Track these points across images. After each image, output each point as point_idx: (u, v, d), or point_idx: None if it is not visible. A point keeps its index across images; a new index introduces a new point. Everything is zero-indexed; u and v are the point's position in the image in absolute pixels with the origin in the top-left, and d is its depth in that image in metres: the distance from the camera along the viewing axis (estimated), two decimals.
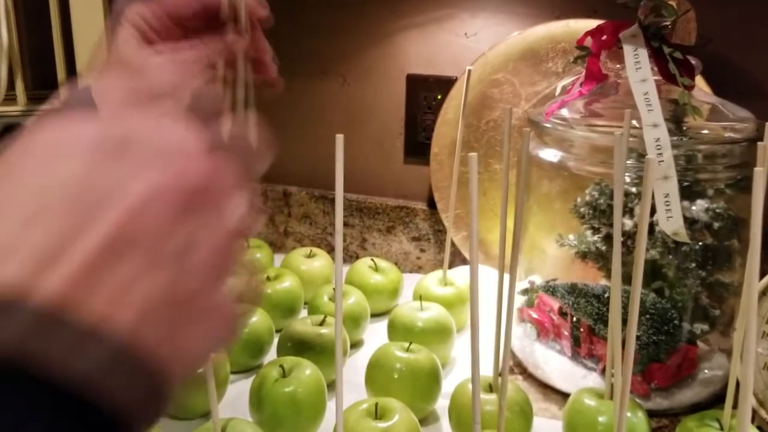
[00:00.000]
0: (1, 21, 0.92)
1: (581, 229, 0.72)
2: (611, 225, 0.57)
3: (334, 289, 0.55)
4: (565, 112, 0.72)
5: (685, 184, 0.65)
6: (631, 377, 0.50)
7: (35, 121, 0.25)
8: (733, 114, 0.70)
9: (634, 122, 0.63)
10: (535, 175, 0.74)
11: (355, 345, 0.82)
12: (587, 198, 0.70)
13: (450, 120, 0.95)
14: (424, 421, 0.67)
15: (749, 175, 0.44)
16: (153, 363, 0.23)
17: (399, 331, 0.76)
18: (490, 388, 0.63)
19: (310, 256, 0.94)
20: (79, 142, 0.24)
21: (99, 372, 0.21)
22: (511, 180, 0.63)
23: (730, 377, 0.56)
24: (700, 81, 0.79)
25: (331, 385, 0.68)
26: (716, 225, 0.66)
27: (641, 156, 0.65)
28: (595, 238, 0.70)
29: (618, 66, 0.71)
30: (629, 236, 0.66)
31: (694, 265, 0.67)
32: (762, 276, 0.47)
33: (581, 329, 0.71)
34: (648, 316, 0.67)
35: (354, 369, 0.76)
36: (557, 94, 0.78)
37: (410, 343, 0.69)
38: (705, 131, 0.70)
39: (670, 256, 0.67)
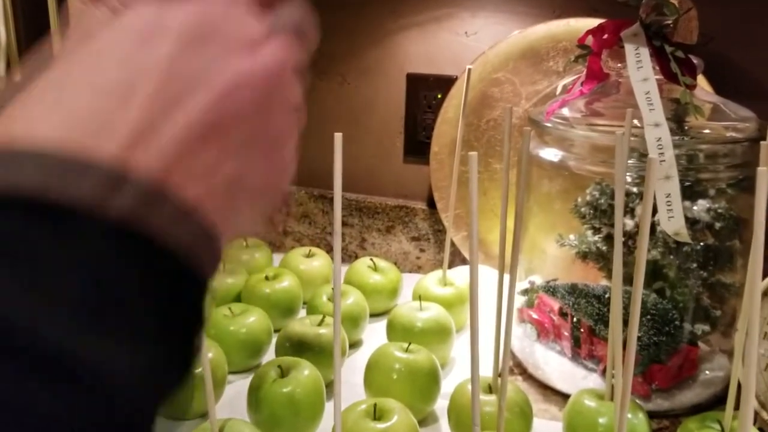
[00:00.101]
0: None
1: (582, 229, 0.71)
2: (612, 225, 0.57)
3: (333, 289, 0.55)
4: (565, 111, 0.71)
5: (687, 183, 0.65)
6: (631, 378, 0.50)
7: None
8: (734, 113, 0.70)
9: (636, 121, 0.63)
10: (535, 174, 0.74)
11: (354, 345, 0.82)
12: (588, 198, 0.70)
13: (450, 119, 0.95)
14: (423, 421, 0.67)
15: (751, 175, 0.43)
16: (221, 237, 0.25)
17: (398, 331, 0.76)
18: (490, 389, 0.63)
19: (309, 255, 0.94)
20: (170, 26, 0.25)
21: (193, 243, 0.23)
22: (511, 179, 0.62)
23: (732, 378, 0.56)
24: (701, 80, 0.78)
25: (330, 386, 0.67)
26: (718, 225, 0.66)
27: (642, 155, 0.65)
28: (596, 238, 0.70)
29: (619, 65, 0.71)
30: (630, 236, 0.65)
31: (695, 265, 0.67)
32: (764, 276, 0.47)
33: (581, 330, 0.71)
34: (649, 316, 0.66)
35: (353, 369, 0.75)
36: (558, 93, 0.78)
37: (409, 344, 0.68)
38: (707, 131, 0.70)
39: (671, 257, 0.67)
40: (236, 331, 0.74)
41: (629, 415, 0.58)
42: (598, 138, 0.68)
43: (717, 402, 0.69)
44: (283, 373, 0.64)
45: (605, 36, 0.70)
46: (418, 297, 0.81)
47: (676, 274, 0.68)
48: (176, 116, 0.23)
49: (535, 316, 0.75)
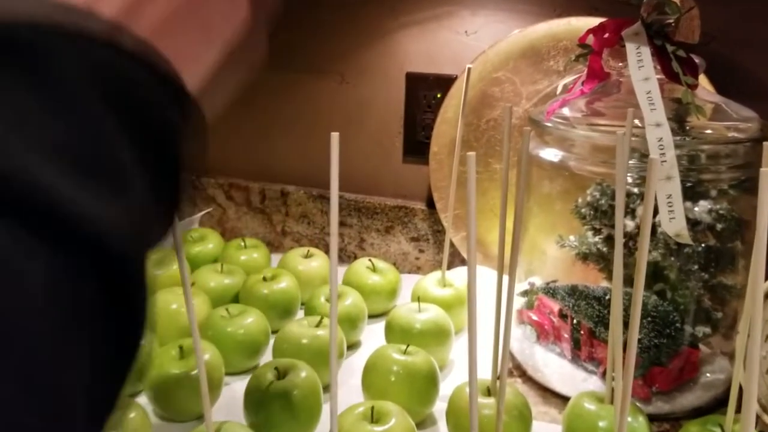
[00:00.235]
0: None
1: (582, 229, 0.71)
2: (612, 226, 0.56)
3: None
4: (566, 111, 0.71)
5: (688, 184, 0.64)
6: (632, 381, 0.49)
7: None
8: (737, 113, 0.69)
9: (637, 121, 0.62)
10: (535, 174, 0.73)
11: (353, 347, 0.81)
12: (588, 198, 0.69)
13: (450, 119, 0.94)
14: (421, 424, 0.66)
15: (753, 176, 0.43)
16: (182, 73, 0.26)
17: (396, 333, 0.75)
18: (489, 392, 0.62)
19: (307, 256, 0.93)
20: None
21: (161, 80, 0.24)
22: (511, 180, 0.62)
23: (733, 381, 0.55)
24: (703, 80, 0.78)
25: (328, 388, 0.66)
26: (719, 226, 0.65)
27: (643, 156, 0.64)
28: (596, 239, 0.69)
29: (620, 64, 0.70)
30: (631, 237, 0.65)
31: (696, 267, 0.66)
32: (767, 278, 0.46)
33: (582, 332, 0.70)
34: (649, 318, 0.66)
35: (350, 371, 0.75)
36: (558, 92, 0.77)
37: (407, 346, 0.68)
38: (708, 131, 0.69)
39: (672, 258, 0.66)
40: (234, 332, 0.74)
41: (629, 419, 0.57)
42: (598, 138, 0.68)
43: (718, 405, 0.68)
44: (280, 375, 0.64)
45: (606, 35, 0.70)
46: (417, 298, 0.80)
47: (677, 276, 0.67)
48: None
49: (534, 317, 0.75)
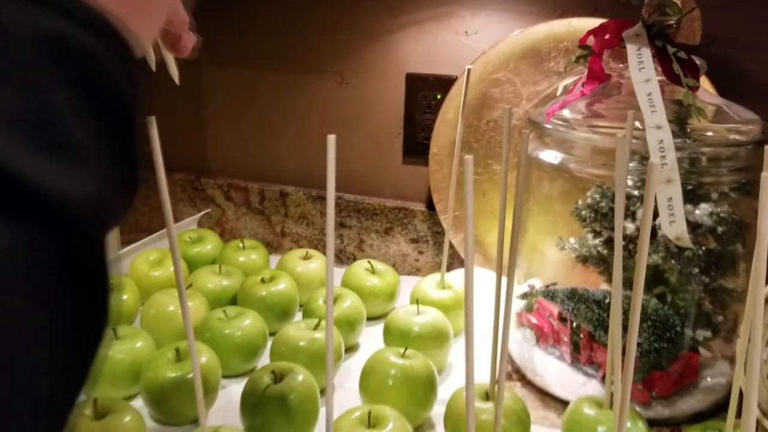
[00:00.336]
0: None
1: (582, 232, 0.70)
2: (613, 228, 0.56)
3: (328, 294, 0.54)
4: (566, 112, 0.70)
5: (689, 187, 0.64)
6: (631, 385, 0.49)
7: None
8: (738, 116, 0.68)
9: (637, 124, 0.62)
10: (535, 176, 0.73)
11: (351, 349, 0.81)
12: (588, 201, 0.69)
13: (449, 120, 0.93)
14: (419, 429, 0.66)
15: (754, 179, 0.42)
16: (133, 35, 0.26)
17: (395, 336, 0.75)
18: (487, 396, 0.62)
19: (306, 257, 0.93)
20: None
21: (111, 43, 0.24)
22: (510, 181, 0.61)
23: (733, 386, 0.55)
24: (704, 82, 0.77)
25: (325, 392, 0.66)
26: (720, 229, 0.64)
27: (644, 158, 0.64)
28: (597, 241, 0.69)
29: (621, 66, 0.70)
30: (631, 240, 0.64)
31: (697, 270, 0.66)
32: (767, 282, 0.46)
33: (581, 335, 0.70)
34: (649, 322, 0.65)
35: (348, 374, 0.74)
36: (559, 94, 0.76)
37: (405, 349, 0.67)
38: (709, 133, 0.68)
39: (673, 261, 0.65)
40: (231, 334, 0.73)
41: (628, 424, 0.56)
42: (598, 140, 0.67)
43: (718, 410, 0.67)
44: (277, 378, 0.63)
45: (607, 36, 0.69)
46: (416, 301, 0.80)
47: (677, 279, 0.66)
48: None
49: (534, 320, 0.74)
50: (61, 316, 0.20)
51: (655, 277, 0.66)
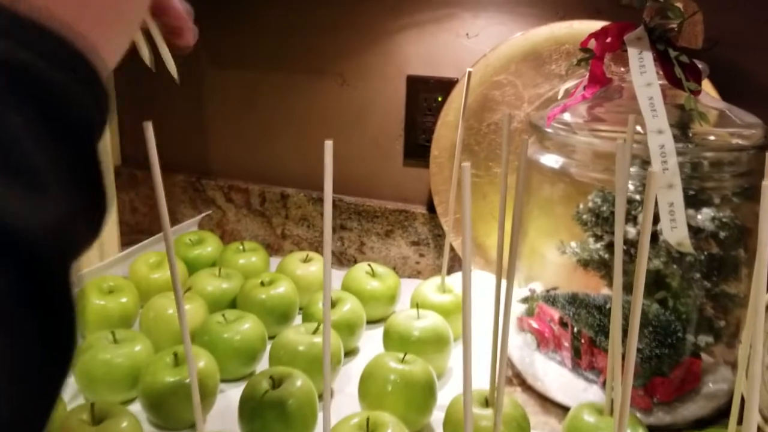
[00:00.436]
0: None
1: (584, 236, 0.70)
2: (614, 233, 0.55)
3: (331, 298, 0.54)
4: (567, 116, 0.70)
5: (691, 192, 0.63)
6: (631, 391, 0.48)
7: None
8: (740, 120, 0.68)
9: (639, 128, 0.61)
10: (536, 180, 0.72)
11: (350, 353, 0.80)
12: (590, 205, 0.68)
13: (450, 122, 0.93)
14: None
15: (757, 184, 0.42)
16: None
17: (394, 340, 0.74)
18: (487, 403, 0.61)
19: (306, 260, 0.92)
20: None
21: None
22: (510, 185, 0.61)
23: (735, 392, 0.54)
24: (707, 85, 0.77)
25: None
26: (722, 234, 0.64)
27: (645, 163, 0.63)
28: (598, 245, 0.68)
29: (622, 69, 0.69)
30: (632, 245, 0.64)
31: (698, 275, 0.65)
32: None
33: (582, 340, 0.69)
34: (651, 328, 0.65)
35: (348, 378, 0.74)
36: (560, 97, 0.76)
37: (405, 354, 0.67)
38: (711, 138, 0.68)
39: (675, 266, 0.65)
40: (230, 338, 0.73)
41: (629, 430, 0.56)
42: (599, 145, 0.67)
43: (720, 416, 0.67)
44: (275, 384, 0.63)
45: (608, 39, 0.69)
46: (416, 305, 0.79)
47: (679, 284, 0.66)
48: None
49: (535, 325, 0.74)
50: (22, 341, 0.20)
51: (656, 282, 0.66)
